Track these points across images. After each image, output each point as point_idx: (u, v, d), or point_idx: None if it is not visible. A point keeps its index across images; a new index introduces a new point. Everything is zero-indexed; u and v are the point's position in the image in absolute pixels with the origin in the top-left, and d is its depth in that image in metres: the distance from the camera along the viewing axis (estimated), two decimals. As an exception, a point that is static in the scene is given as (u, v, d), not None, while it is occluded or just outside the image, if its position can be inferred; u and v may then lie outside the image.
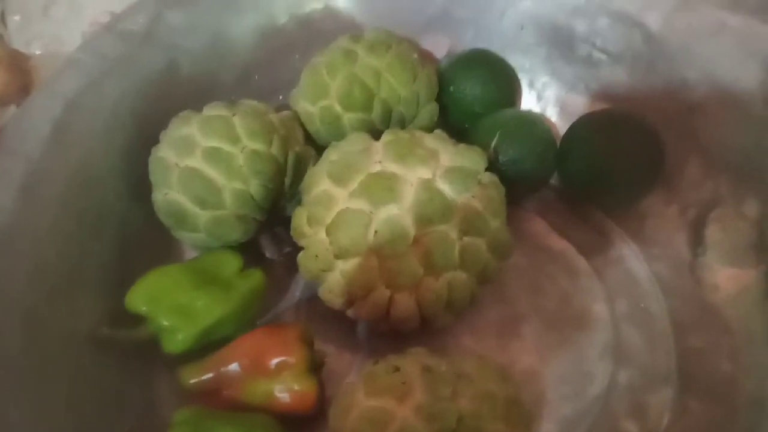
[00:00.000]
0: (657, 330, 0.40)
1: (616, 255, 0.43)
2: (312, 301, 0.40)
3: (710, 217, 0.42)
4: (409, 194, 0.33)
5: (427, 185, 0.33)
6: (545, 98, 0.49)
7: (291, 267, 0.40)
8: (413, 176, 0.34)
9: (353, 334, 0.40)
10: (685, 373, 0.38)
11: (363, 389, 0.30)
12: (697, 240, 0.42)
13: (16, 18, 0.54)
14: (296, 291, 0.42)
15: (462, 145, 0.37)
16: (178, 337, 0.34)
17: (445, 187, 0.34)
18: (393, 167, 0.34)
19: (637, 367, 0.38)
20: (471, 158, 0.35)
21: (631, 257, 0.43)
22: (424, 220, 0.33)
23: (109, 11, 0.47)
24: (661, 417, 0.37)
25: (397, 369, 0.30)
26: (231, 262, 0.37)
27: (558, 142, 0.43)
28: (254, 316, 0.38)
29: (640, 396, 0.37)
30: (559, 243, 0.44)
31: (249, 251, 0.39)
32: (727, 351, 0.38)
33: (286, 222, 0.38)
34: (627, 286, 0.42)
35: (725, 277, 0.40)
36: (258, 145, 0.36)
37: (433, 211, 0.33)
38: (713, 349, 0.39)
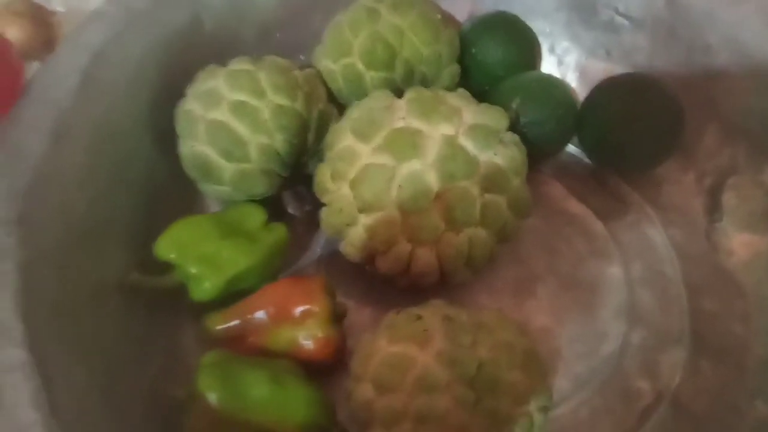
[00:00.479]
0: (671, 293, 0.40)
1: (632, 219, 0.43)
2: (333, 257, 0.41)
3: (727, 184, 0.43)
4: (433, 150, 0.34)
5: (450, 141, 0.34)
6: (565, 63, 0.49)
7: (312, 224, 0.41)
8: (436, 132, 0.34)
9: (373, 290, 0.40)
10: (698, 334, 0.39)
11: (385, 336, 0.31)
12: (713, 206, 0.43)
13: (38, -26, 0.54)
14: (317, 247, 0.42)
15: (484, 104, 0.37)
16: (205, 285, 0.34)
17: (467, 144, 0.34)
18: (416, 123, 0.34)
19: (650, 327, 0.39)
20: (493, 117, 0.36)
21: (647, 222, 0.43)
22: (446, 176, 0.33)
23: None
24: (673, 376, 0.37)
25: (419, 317, 0.31)
26: (255, 216, 0.38)
27: (578, 107, 0.43)
28: (277, 269, 0.39)
29: (653, 355, 0.38)
30: (576, 207, 0.44)
31: (272, 207, 0.40)
32: (739, 314, 0.39)
33: (308, 180, 0.39)
34: (642, 249, 0.42)
35: (740, 243, 0.41)
36: (283, 100, 0.36)
37: (455, 167, 0.33)
38: (726, 313, 0.39)
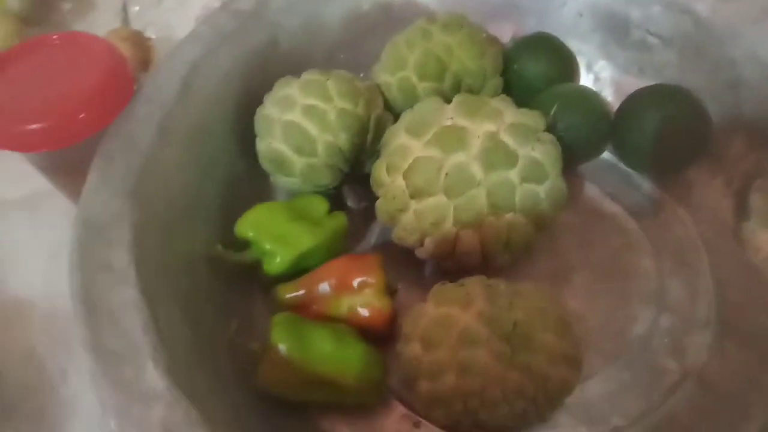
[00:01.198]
0: (699, 284, 0.43)
1: (664, 218, 0.47)
2: (386, 246, 0.46)
3: (754, 186, 0.46)
4: (477, 144, 0.38)
5: (493, 137, 0.39)
6: (602, 80, 0.53)
7: (368, 218, 0.47)
8: (480, 129, 0.39)
9: (422, 275, 0.45)
10: (724, 321, 0.42)
11: (432, 301, 0.36)
12: (741, 207, 0.46)
13: (136, 8, 0.62)
14: (372, 238, 0.48)
15: (524, 109, 0.42)
16: (276, 260, 0.40)
17: (508, 140, 0.39)
18: (462, 122, 0.39)
19: (679, 313, 0.42)
20: (532, 118, 0.41)
21: (678, 221, 0.47)
22: (488, 166, 0.38)
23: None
24: (699, 356, 0.40)
25: (462, 285, 0.36)
26: (320, 205, 0.43)
27: (612, 116, 0.47)
28: (338, 253, 0.44)
29: (680, 338, 0.41)
30: (611, 206, 0.48)
31: (334, 201, 0.45)
32: (764, 305, 0.42)
33: (365, 180, 0.44)
34: (673, 245, 0.45)
35: (766, 240, 0.44)
36: (347, 105, 0.42)
37: (497, 158, 0.38)
38: (752, 303, 0.42)
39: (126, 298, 0.31)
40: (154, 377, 0.29)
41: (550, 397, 0.34)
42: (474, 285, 0.35)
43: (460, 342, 0.33)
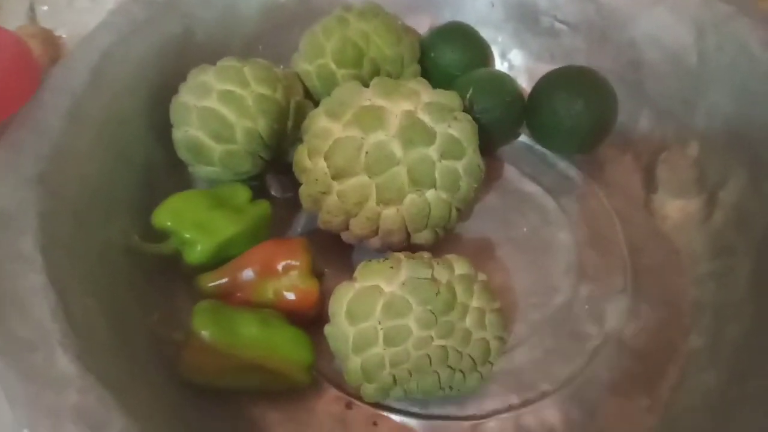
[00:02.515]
0: (614, 252, 0.45)
1: (579, 194, 0.49)
2: (312, 234, 0.46)
3: (660, 159, 0.48)
4: (395, 122, 0.39)
5: (410, 115, 0.39)
6: (516, 67, 0.55)
7: (293, 207, 0.47)
8: (398, 108, 0.39)
9: (349, 260, 0.45)
10: (638, 286, 0.44)
11: (358, 277, 0.36)
12: (649, 179, 0.48)
13: (44, 8, 0.60)
14: (297, 227, 0.47)
15: (440, 90, 0.43)
16: (197, 249, 0.39)
17: (425, 117, 0.39)
18: (380, 101, 0.40)
19: (597, 281, 0.44)
20: (448, 97, 0.41)
21: (593, 196, 0.49)
22: (407, 143, 0.38)
23: None
24: (617, 321, 0.42)
25: (386, 259, 0.36)
26: (242, 193, 0.43)
27: (525, 99, 0.49)
28: (261, 241, 0.43)
29: (599, 304, 0.43)
30: (529, 186, 0.50)
31: (258, 192, 0.45)
32: (674, 268, 0.44)
33: (289, 170, 0.44)
34: (588, 218, 0.47)
35: (673, 208, 0.47)
36: (264, 90, 0.42)
37: (415, 135, 0.39)
38: (662, 267, 0.44)
39: (34, 285, 0.29)
40: (63, 363, 0.27)
41: (476, 362, 0.34)
42: (398, 257, 0.36)
43: (385, 313, 0.33)
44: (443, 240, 0.43)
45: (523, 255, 0.45)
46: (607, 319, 0.42)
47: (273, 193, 0.48)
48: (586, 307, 0.43)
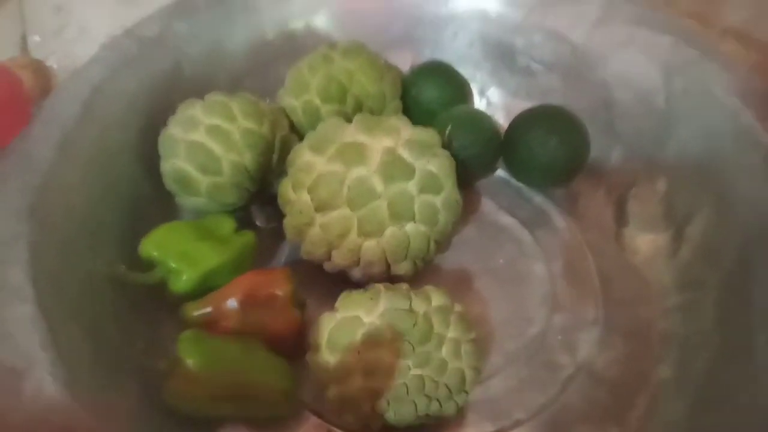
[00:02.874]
0: (587, 285, 0.47)
1: (554, 227, 0.51)
2: (295, 264, 0.47)
3: (630, 194, 0.50)
4: (376, 158, 0.41)
5: (391, 151, 0.41)
6: (493, 104, 0.57)
7: (277, 238, 0.48)
8: (379, 144, 0.41)
9: (331, 289, 0.46)
10: (610, 317, 0.45)
11: (338, 308, 0.37)
12: (620, 213, 0.50)
13: (36, 38, 0.62)
14: (282, 257, 0.49)
15: (420, 126, 0.44)
16: (182, 278, 0.40)
17: (405, 154, 0.41)
18: (362, 138, 0.41)
19: (570, 312, 0.45)
20: (427, 135, 0.43)
21: (566, 229, 0.50)
22: (388, 178, 0.40)
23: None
24: (589, 351, 0.43)
25: (366, 290, 0.37)
26: (227, 224, 0.44)
27: (502, 135, 0.51)
28: (246, 271, 0.44)
29: (572, 335, 0.44)
30: (505, 219, 0.51)
31: (242, 222, 0.46)
32: (644, 300, 0.46)
33: (274, 200, 0.45)
34: (563, 251, 0.49)
35: (643, 242, 0.48)
36: (251, 124, 0.44)
37: (395, 170, 0.40)
38: (633, 299, 0.46)
39: (23, 315, 0.30)
40: (51, 392, 0.28)
41: (451, 391, 0.35)
42: (377, 289, 0.37)
43: (364, 344, 0.35)
44: (422, 270, 0.44)
45: (499, 286, 0.47)
46: (579, 349, 0.44)
47: (258, 224, 0.49)
48: (559, 337, 0.44)
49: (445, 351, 0.35)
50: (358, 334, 0.35)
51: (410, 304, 0.36)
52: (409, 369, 0.34)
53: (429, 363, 0.35)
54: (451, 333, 0.36)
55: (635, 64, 0.49)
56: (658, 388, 0.41)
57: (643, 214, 0.49)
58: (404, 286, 0.37)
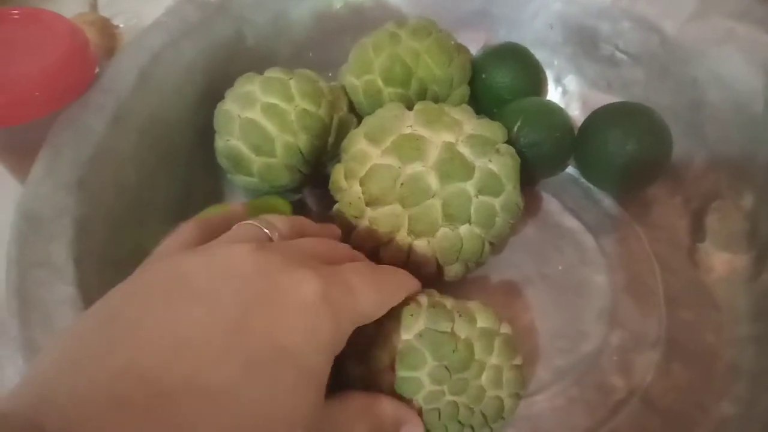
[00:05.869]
0: (651, 302, 0.44)
1: (621, 235, 0.47)
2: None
3: (710, 207, 0.46)
4: (434, 154, 0.38)
5: (450, 147, 0.38)
6: (570, 93, 0.53)
7: (328, 222, 0.46)
8: (438, 139, 0.39)
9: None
10: (673, 340, 0.42)
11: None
12: (697, 227, 0.46)
13: (105, -4, 0.61)
14: (331, 243, 0.47)
15: (485, 119, 0.41)
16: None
17: (465, 150, 0.38)
18: (421, 130, 0.39)
19: (629, 331, 0.42)
20: (491, 129, 0.40)
21: (634, 238, 0.47)
22: (444, 177, 0.38)
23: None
24: (645, 375, 0.40)
25: (407, 303, 0.35)
26: (282, 206, 0.43)
27: (575, 131, 0.47)
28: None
29: (629, 356, 0.41)
30: (569, 221, 0.48)
31: (296, 205, 0.45)
32: (713, 325, 0.42)
33: (326, 183, 0.44)
34: (628, 261, 0.46)
35: (719, 261, 0.44)
36: (308, 105, 0.42)
37: (453, 169, 0.38)
38: (700, 323, 0.42)
39: (62, 296, 0.30)
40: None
41: (487, 419, 0.33)
42: (419, 303, 0.34)
43: (398, 363, 0.33)
44: (473, 271, 0.42)
45: (554, 294, 0.44)
46: (635, 372, 0.41)
47: (310, 206, 0.48)
48: (615, 357, 0.41)
49: (485, 378, 0.33)
50: (393, 352, 0.33)
51: (452, 327, 0.33)
52: (444, 395, 0.32)
53: (466, 390, 0.32)
54: (494, 360, 0.33)
55: (733, 63, 0.44)
56: (718, 425, 0.38)
57: (723, 230, 0.45)
58: (449, 301, 0.35)
